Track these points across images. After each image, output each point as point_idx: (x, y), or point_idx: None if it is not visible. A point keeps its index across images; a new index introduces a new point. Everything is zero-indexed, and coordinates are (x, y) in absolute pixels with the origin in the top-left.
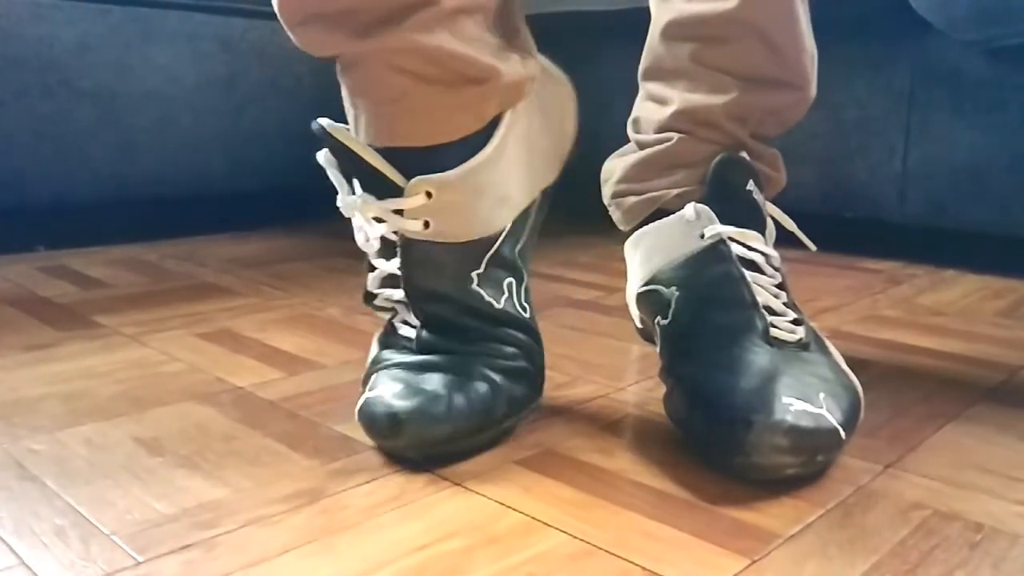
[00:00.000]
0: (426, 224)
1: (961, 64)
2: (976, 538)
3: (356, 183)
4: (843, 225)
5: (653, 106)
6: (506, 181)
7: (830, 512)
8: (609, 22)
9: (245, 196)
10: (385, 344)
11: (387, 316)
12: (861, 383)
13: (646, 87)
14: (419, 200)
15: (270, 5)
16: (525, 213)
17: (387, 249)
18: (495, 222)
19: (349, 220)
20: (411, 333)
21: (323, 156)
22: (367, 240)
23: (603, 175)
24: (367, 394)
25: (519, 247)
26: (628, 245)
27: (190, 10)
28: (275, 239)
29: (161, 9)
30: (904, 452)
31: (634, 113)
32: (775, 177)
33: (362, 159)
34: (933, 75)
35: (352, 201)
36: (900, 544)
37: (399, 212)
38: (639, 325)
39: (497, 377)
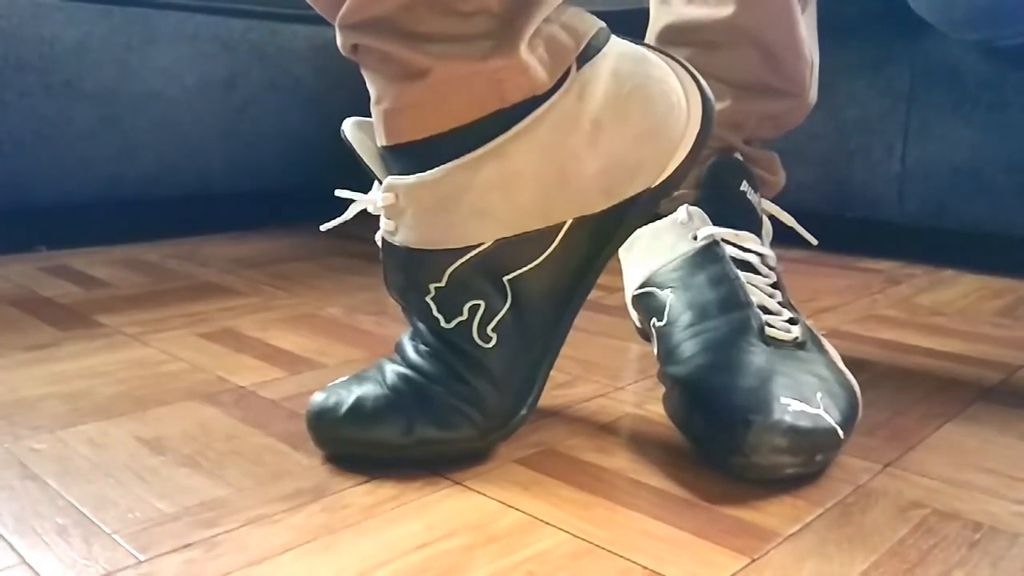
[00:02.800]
0: (396, 226)
1: (960, 64)
2: (975, 537)
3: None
4: (842, 225)
5: None
6: (492, 195)
7: (829, 511)
8: (610, 24)
9: (246, 196)
10: None
11: None
12: (860, 382)
13: None
14: (390, 199)
15: (270, 6)
16: (537, 239)
17: None
18: (463, 236)
19: (352, 222)
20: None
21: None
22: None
23: None
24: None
25: (515, 275)
26: (622, 248)
27: (190, 11)
28: (276, 239)
29: (161, 10)
30: (903, 451)
31: None
32: (772, 180)
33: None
34: (932, 75)
35: (357, 198)
36: (899, 543)
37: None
38: (638, 325)
39: (416, 404)
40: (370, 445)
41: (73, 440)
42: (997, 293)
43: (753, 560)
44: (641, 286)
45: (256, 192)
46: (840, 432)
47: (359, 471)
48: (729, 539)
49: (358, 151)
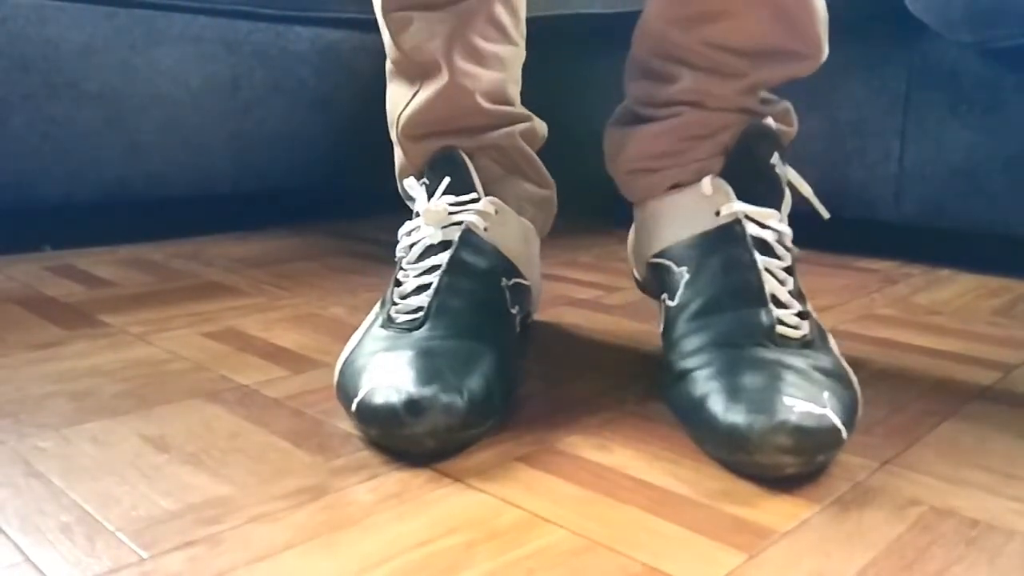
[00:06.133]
0: (485, 228)
1: (957, 66)
2: (972, 534)
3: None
4: (839, 225)
5: (655, 85)
6: (523, 244)
7: (827, 508)
8: (608, 24)
9: (250, 196)
10: (388, 319)
11: (398, 261)
12: (859, 381)
13: (647, 65)
14: (490, 209)
15: (273, 7)
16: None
17: (433, 249)
18: (520, 263)
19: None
20: (419, 302)
21: (409, 182)
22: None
23: (607, 147)
24: (374, 377)
25: (522, 316)
26: (639, 206)
27: (194, 13)
28: (280, 239)
29: (166, 12)
30: (900, 449)
31: (634, 92)
32: (788, 131)
33: (469, 171)
34: (929, 76)
35: (436, 205)
36: (897, 540)
37: (470, 209)
38: (637, 277)
39: (490, 372)
40: (485, 427)
41: (77, 438)
42: (994, 292)
43: (752, 557)
44: (657, 255)
45: (260, 192)
46: (843, 432)
47: (361, 469)
48: (728, 536)
49: (470, 167)
